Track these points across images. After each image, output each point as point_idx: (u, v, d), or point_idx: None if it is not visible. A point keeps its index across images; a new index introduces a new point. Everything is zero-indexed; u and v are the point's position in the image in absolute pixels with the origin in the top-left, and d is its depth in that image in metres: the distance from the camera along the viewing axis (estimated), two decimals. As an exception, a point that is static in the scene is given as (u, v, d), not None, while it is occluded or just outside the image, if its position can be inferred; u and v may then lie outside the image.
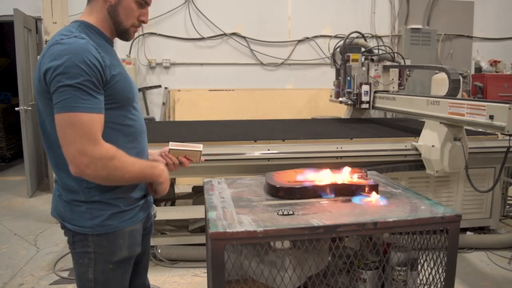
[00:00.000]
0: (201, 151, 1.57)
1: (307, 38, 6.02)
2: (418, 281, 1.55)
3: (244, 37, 5.88)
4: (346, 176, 1.64)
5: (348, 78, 4.09)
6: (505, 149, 2.65)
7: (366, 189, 1.55)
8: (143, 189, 1.48)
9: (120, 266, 1.41)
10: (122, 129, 1.37)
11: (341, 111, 4.80)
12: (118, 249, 1.38)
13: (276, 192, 1.59)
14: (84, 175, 1.26)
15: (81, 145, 1.22)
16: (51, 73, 1.22)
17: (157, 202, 3.42)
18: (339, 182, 1.60)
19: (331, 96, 4.68)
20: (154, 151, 1.60)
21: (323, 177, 1.64)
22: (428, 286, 1.48)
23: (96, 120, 1.25)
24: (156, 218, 2.42)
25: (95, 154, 1.24)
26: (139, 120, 1.46)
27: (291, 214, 1.39)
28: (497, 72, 5.67)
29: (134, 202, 1.43)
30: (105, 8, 1.38)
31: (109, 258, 1.38)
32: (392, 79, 4.09)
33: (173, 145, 1.56)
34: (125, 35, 1.44)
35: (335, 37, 5.66)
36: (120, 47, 5.62)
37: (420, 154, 3.10)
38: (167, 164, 1.53)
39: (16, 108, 4.78)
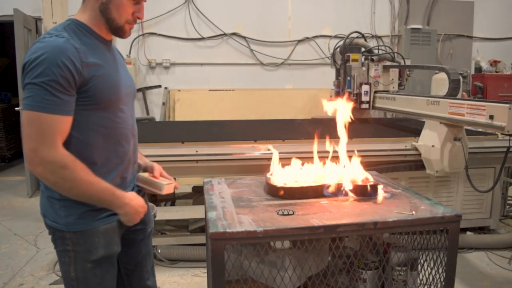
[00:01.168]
0: (164, 184, 1.51)
1: (307, 38, 6.01)
2: (418, 281, 1.55)
3: (244, 37, 5.88)
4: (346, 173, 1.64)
5: (348, 78, 4.09)
6: (505, 149, 2.65)
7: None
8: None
9: (99, 265, 1.40)
10: (102, 131, 1.35)
11: (341, 111, 4.79)
12: (94, 248, 1.37)
13: (276, 192, 1.59)
14: (35, 173, 1.26)
15: (35, 144, 1.22)
16: (25, 68, 1.23)
17: (157, 202, 3.42)
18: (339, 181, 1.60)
19: (331, 96, 4.68)
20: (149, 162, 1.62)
21: (324, 174, 1.64)
22: (428, 286, 1.49)
23: (56, 122, 1.23)
24: (156, 218, 2.42)
25: (46, 156, 1.22)
26: (125, 124, 1.43)
27: (291, 214, 1.39)
28: (497, 72, 5.67)
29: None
30: (97, 6, 1.35)
31: (87, 257, 1.37)
32: (392, 79, 4.09)
33: (139, 177, 1.53)
34: (119, 32, 1.40)
35: (335, 37, 5.66)
36: (120, 47, 5.60)
37: (420, 154, 3.10)
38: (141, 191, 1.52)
39: (16, 108, 4.78)
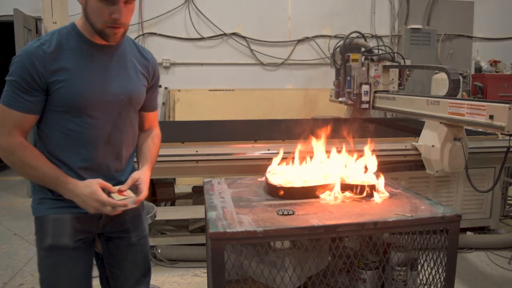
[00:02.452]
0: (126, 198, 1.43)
1: (307, 38, 6.01)
2: (418, 281, 1.55)
3: (244, 37, 5.88)
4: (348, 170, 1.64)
5: (348, 78, 4.09)
6: (505, 149, 2.65)
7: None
8: None
9: (50, 255, 1.45)
10: (69, 133, 1.41)
11: (341, 111, 4.80)
12: (45, 235, 1.44)
13: (276, 192, 1.59)
14: None
15: None
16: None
17: (157, 202, 3.42)
18: (340, 181, 1.60)
19: (331, 96, 4.68)
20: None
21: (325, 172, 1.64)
22: (428, 286, 1.48)
23: (12, 116, 1.35)
24: (156, 218, 2.43)
25: (1, 143, 1.37)
26: (95, 130, 1.43)
27: (291, 214, 1.39)
28: (497, 72, 5.67)
29: (45, 193, 1.46)
30: (82, 9, 1.38)
31: (40, 244, 1.46)
32: (392, 79, 4.09)
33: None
34: (103, 36, 1.38)
35: (335, 37, 5.67)
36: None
37: (420, 154, 3.10)
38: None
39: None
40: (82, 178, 1.41)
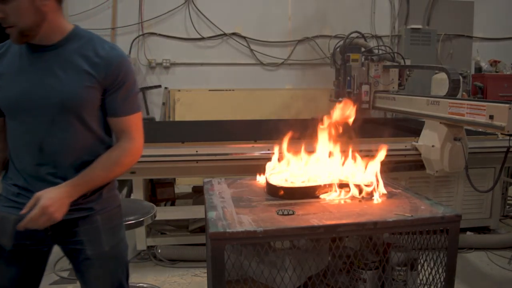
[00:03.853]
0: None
1: (307, 38, 6.01)
2: (418, 281, 1.55)
3: (244, 37, 5.87)
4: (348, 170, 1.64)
5: (348, 78, 4.09)
6: (505, 149, 2.65)
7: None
8: (19, 188, 1.45)
9: None
10: (10, 137, 1.46)
11: (341, 111, 4.78)
12: None
13: (276, 192, 1.59)
14: None
15: None
16: None
17: (157, 202, 3.42)
18: (340, 180, 1.60)
19: (331, 96, 4.68)
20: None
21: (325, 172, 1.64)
22: (428, 286, 1.48)
23: None
24: (156, 218, 2.43)
25: None
26: (27, 134, 1.40)
27: (291, 214, 1.39)
28: (497, 72, 5.66)
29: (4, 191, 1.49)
30: None
31: None
32: (392, 79, 4.09)
33: None
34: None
35: (335, 37, 5.65)
36: (120, 47, 5.57)
37: (420, 154, 3.09)
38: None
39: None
40: (27, 182, 1.43)
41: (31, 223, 1.31)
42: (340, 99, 4.27)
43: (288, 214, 1.38)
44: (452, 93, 2.96)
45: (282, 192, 1.57)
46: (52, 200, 1.32)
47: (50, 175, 1.42)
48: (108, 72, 1.40)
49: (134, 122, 1.48)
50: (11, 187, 1.47)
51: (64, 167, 1.42)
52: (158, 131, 3.83)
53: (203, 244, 2.76)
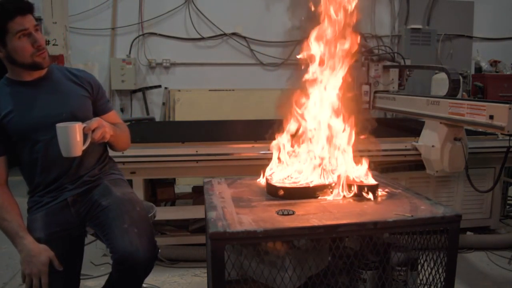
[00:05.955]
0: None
1: (307, 38, 6.00)
2: (418, 281, 1.55)
3: (244, 37, 5.88)
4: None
5: (348, 78, 4.08)
6: (505, 149, 2.65)
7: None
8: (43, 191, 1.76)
9: None
10: (29, 162, 1.72)
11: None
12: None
13: (276, 192, 1.59)
14: None
15: None
16: None
17: (157, 202, 3.42)
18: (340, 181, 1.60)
19: (331, 96, 4.67)
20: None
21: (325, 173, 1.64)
22: (428, 286, 1.48)
23: None
24: (156, 218, 2.42)
25: None
26: (49, 152, 1.67)
27: (291, 214, 1.39)
28: (497, 72, 5.67)
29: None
30: (5, 61, 1.62)
31: None
32: (392, 79, 4.08)
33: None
34: (35, 68, 1.64)
35: (335, 37, 5.64)
36: (120, 47, 5.62)
37: (420, 154, 3.09)
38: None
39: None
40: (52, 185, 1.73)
41: (89, 129, 1.58)
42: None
43: (288, 214, 1.39)
44: (452, 93, 2.96)
45: (282, 192, 1.57)
46: (103, 122, 1.64)
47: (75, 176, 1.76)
48: (90, 83, 1.81)
49: (116, 114, 1.95)
50: (36, 198, 1.77)
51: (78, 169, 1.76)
52: (158, 131, 3.83)
53: (203, 244, 2.76)
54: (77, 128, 1.56)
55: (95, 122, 1.61)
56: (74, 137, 1.55)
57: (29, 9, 1.60)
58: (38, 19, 5.30)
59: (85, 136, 1.59)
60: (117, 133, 1.75)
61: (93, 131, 1.60)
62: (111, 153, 1.99)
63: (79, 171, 1.78)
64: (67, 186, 1.75)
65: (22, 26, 1.56)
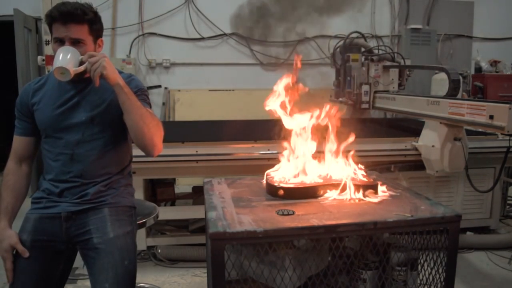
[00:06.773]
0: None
1: (307, 38, 6.01)
2: (418, 281, 1.55)
3: (244, 37, 5.87)
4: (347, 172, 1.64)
5: (348, 78, 4.09)
6: (505, 149, 2.65)
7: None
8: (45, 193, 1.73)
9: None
10: (45, 150, 1.72)
11: (341, 111, 4.79)
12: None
13: (276, 192, 1.59)
14: None
15: None
16: None
17: (157, 202, 3.42)
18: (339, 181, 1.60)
19: (331, 96, 4.68)
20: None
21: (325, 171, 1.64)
22: (428, 286, 1.49)
23: (14, 140, 1.75)
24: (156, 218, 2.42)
25: None
26: (60, 149, 1.67)
27: (291, 214, 1.39)
28: (497, 72, 5.66)
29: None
30: None
31: None
32: (392, 79, 4.08)
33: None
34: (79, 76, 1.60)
35: (335, 37, 5.65)
36: (120, 47, 5.62)
37: (420, 154, 3.09)
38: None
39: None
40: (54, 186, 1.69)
41: (88, 60, 1.53)
42: (341, 99, 4.28)
43: (288, 214, 1.39)
44: (452, 93, 2.96)
45: (282, 192, 1.57)
46: (110, 61, 1.55)
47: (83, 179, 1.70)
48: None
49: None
50: (40, 193, 1.75)
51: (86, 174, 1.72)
52: (158, 131, 3.82)
53: (203, 244, 2.77)
54: (72, 48, 1.55)
55: (94, 56, 1.55)
56: (66, 53, 1.53)
57: (74, 19, 1.55)
58: (39, 19, 5.32)
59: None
60: (133, 99, 1.58)
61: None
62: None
63: (86, 175, 1.69)
64: (68, 195, 1.67)
65: (57, 33, 1.56)
